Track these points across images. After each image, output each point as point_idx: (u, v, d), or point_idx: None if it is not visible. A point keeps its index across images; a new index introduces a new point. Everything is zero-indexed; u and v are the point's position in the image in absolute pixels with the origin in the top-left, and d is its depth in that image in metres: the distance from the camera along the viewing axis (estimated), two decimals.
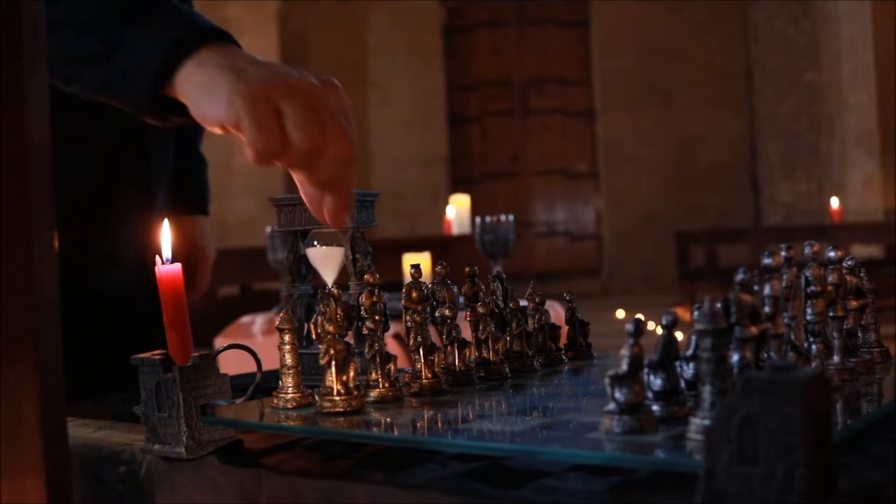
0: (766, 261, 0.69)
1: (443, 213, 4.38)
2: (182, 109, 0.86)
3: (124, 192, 1.27)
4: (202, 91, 0.81)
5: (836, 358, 0.82)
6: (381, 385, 0.83)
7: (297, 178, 0.83)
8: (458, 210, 4.26)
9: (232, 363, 1.15)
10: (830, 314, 0.82)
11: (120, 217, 1.27)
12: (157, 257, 0.81)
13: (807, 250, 0.81)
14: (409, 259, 2.89)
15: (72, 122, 1.13)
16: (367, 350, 0.85)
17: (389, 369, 0.84)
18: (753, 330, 0.63)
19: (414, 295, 0.87)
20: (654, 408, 0.66)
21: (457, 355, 0.91)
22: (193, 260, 1.55)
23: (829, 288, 0.82)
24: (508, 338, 0.97)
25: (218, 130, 0.82)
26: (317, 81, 0.81)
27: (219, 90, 0.79)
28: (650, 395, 0.67)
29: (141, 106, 0.87)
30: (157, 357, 0.78)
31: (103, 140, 1.24)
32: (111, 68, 0.87)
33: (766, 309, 0.67)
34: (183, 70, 0.84)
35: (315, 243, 0.97)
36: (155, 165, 1.31)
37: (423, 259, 2.79)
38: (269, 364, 0.90)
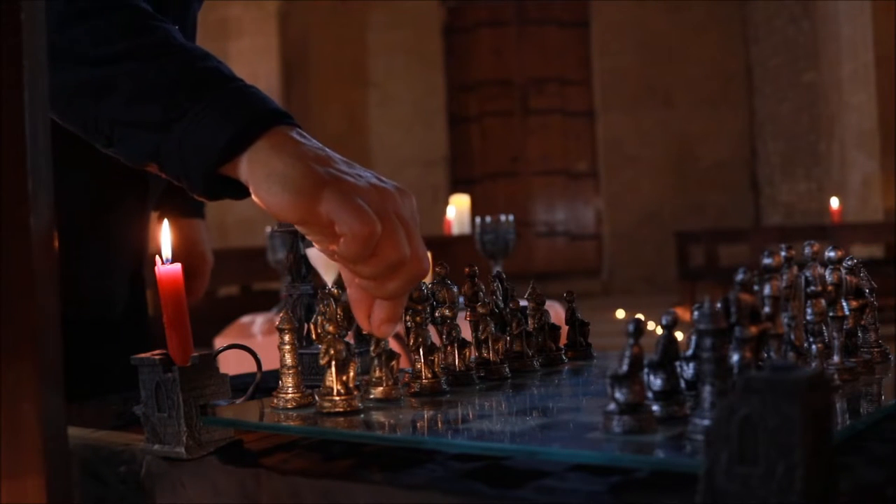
0: (766, 261, 0.69)
1: (443, 213, 4.38)
2: (233, 188, 0.83)
3: (123, 194, 1.27)
4: (277, 178, 0.77)
5: (836, 358, 0.82)
6: (384, 383, 0.83)
7: (356, 281, 0.78)
8: (458, 210, 4.26)
9: (232, 363, 1.16)
10: (830, 314, 0.82)
11: (117, 221, 1.26)
12: (157, 257, 0.81)
13: (807, 250, 0.81)
14: None
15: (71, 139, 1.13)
16: (372, 348, 0.85)
17: (393, 367, 0.84)
18: (753, 330, 0.63)
19: (414, 295, 0.87)
20: (654, 408, 0.66)
21: (457, 355, 0.91)
22: (193, 264, 1.55)
23: (829, 288, 0.82)
24: (508, 338, 0.97)
25: (283, 218, 0.78)
26: (391, 188, 0.79)
27: (300, 180, 0.76)
28: (650, 395, 0.67)
29: (193, 181, 0.83)
30: (157, 357, 0.78)
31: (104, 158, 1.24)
32: (167, 138, 0.83)
33: (766, 309, 0.67)
34: (250, 152, 0.80)
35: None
36: (153, 184, 1.31)
37: None
38: (269, 364, 0.90)
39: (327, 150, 0.81)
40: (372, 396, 0.83)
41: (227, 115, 0.81)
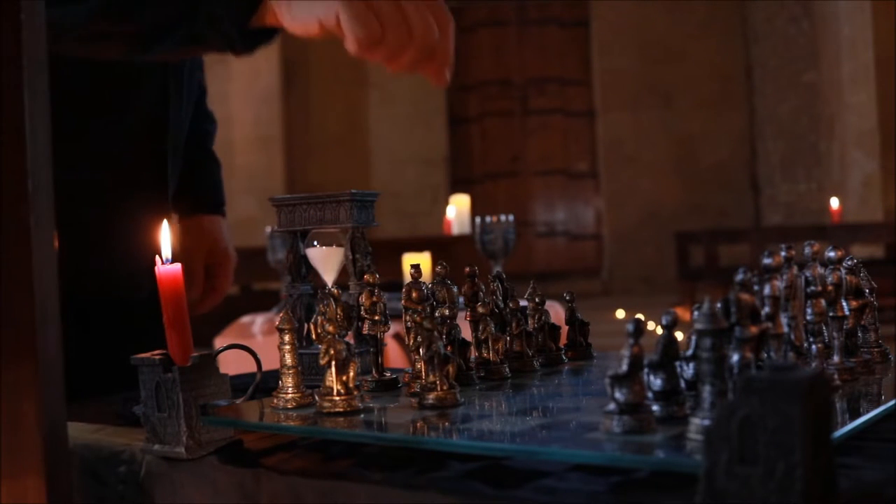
0: (766, 261, 0.69)
1: (443, 213, 4.37)
2: (268, 35, 0.93)
3: (143, 188, 1.28)
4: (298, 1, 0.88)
5: (836, 358, 0.82)
6: (438, 388, 0.81)
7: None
8: (458, 210, 4.26)
9: (232, 363, 1.15)
10: (830, 314, 0.82)
11: (135, 220, 1.27)
12: (158, 257, 0.81)
13: (807, 250, 0.81)
14: (409, 259, 2.89)
15: (95, 131, 1.14)
16: (423, 351, 0.82)
17: (448, 371, 0.81)
18: (753, 330, 0.63)
19: (414, 295, 0.87)
20: (654, 408, 0.66)
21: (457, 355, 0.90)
22: (215, 262, 1.52)
23: (829, 288, 0.82)
24: (508, 338, 0.97)
25: (314, 33, 0.88)
26: None
27: None
28: (650, 395, 0.67)
29: (235, 42, 0.93)
30: (156, 357, 0.78)
31: (124, 149, 1.25)
32: (198, 19, 0.91)
33: (766, 309, 0.67)
34: None
35: (315, 243, 0.97)
36: (171, 173, 1.32)
37: (423, 259, 2.79)
38: (269, 364, 0.90)
39: None
40: (428, 403, 0.80)
41: None
